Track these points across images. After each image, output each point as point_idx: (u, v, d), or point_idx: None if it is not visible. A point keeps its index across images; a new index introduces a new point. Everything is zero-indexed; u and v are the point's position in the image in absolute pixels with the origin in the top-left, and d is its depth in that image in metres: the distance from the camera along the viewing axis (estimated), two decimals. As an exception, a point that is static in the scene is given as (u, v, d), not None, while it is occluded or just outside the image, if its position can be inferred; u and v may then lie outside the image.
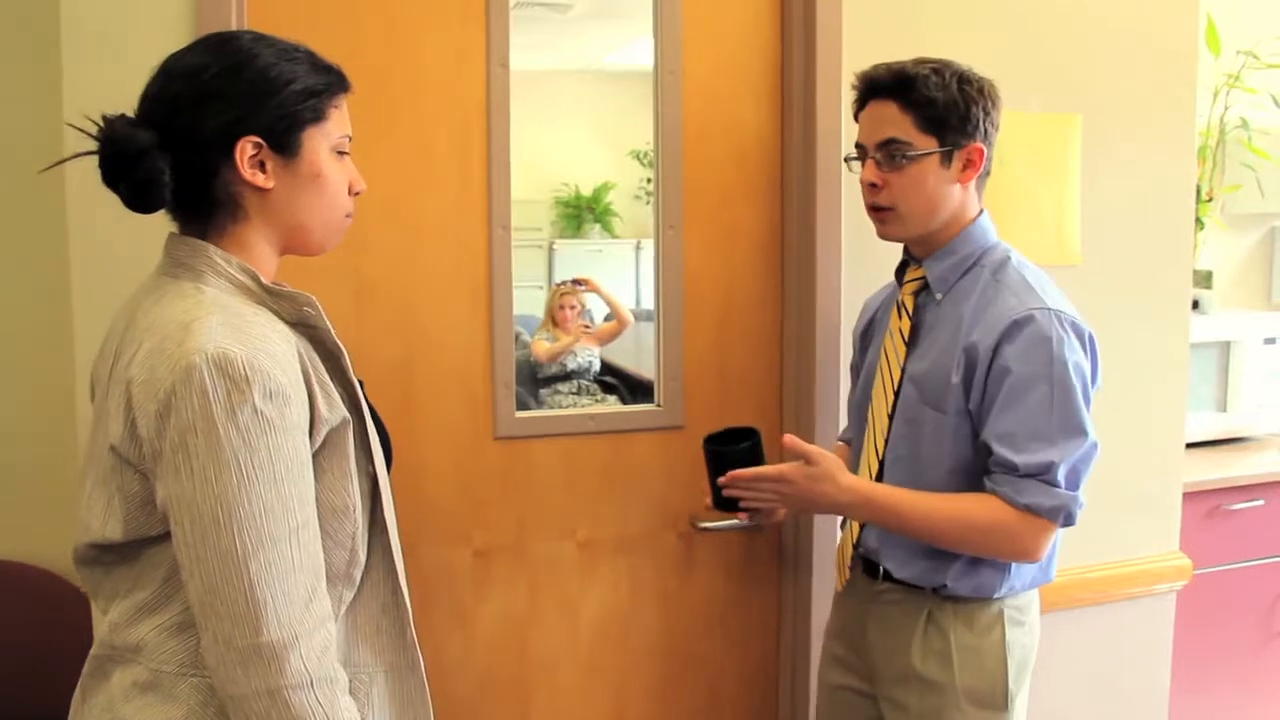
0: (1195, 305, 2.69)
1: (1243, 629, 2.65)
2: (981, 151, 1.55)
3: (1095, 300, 1.89)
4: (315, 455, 1.08)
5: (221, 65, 1.09)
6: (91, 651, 1.14)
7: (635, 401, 2.32)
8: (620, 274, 3.32)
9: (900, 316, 1.63)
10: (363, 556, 1.14)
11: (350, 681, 1.11)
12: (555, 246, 3.39)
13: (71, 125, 1.08)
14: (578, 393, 2.84)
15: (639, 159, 2.92)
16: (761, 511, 1.68)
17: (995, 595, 1.55)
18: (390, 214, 1.75)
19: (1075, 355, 1.47)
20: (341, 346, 1.16)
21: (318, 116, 1.14)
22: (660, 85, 1.89)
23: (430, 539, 1.82)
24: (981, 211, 1.60)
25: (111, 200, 1.09)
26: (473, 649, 1.88)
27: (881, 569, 1.61)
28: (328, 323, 1.14)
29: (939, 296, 1.58)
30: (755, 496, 1.58)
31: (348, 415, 1.12)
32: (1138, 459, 2.17)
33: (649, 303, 2.02)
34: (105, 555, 1.10)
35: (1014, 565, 1.53)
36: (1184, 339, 2.22)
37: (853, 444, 1.75)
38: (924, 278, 1.60)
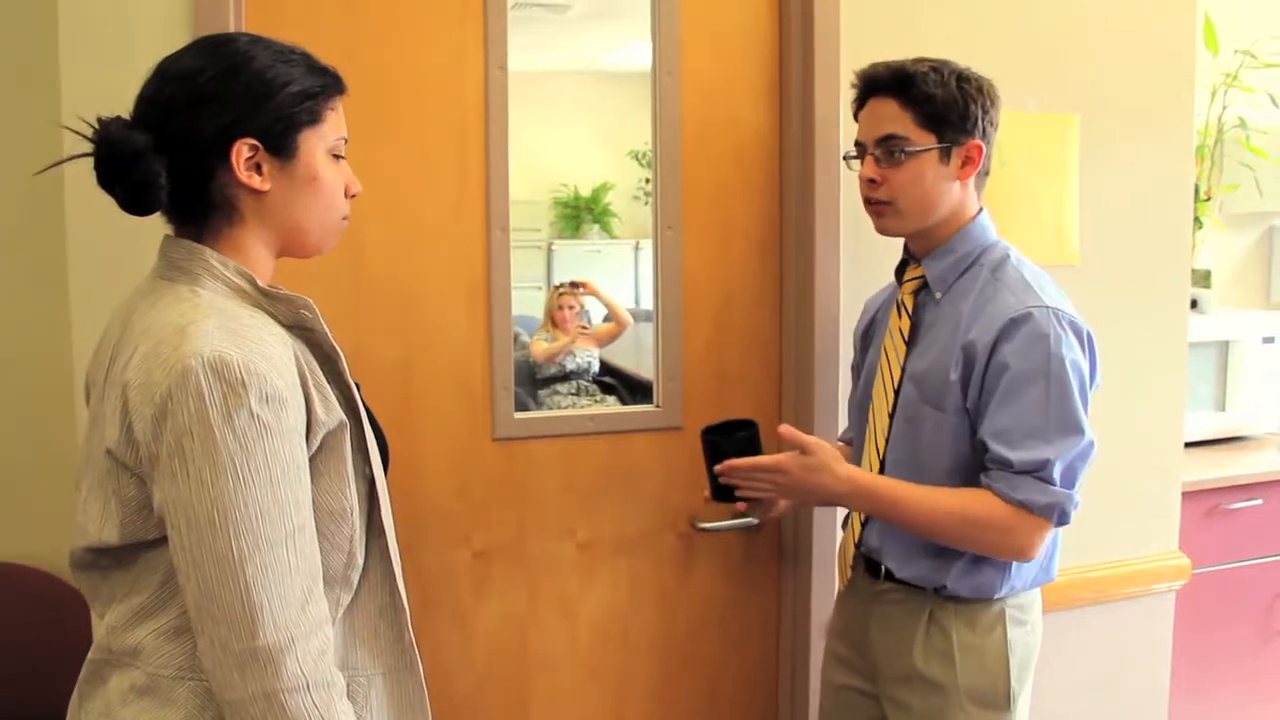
0: (1194, 304, 2.69)
1: (1242, 629, 2.65)
2: (980, 149, 1.55)
3: (1094, 300, 1.89)
4: (312, 459, 1.08)
5: (218, 68, 1.09)
6: (89, 655, 1.14)
7: (634, 402, 2.32)
8: (619, 275, 3.33)
9: (900, 315, 1.63)
10: (360, 559, 1.14)
11: (348, 684, 1.11)
12: (554, 247, 3.40)
13: (66, 127, 1.07)
14: (577, 393, 2.84)
15: (637, 159, 2.92)
16: (760, 504, 1.68)
17: (996, 595, 1.54)
18: (389, 215, 1.75)
19: (1073, 353, 1.47)
20: (339, 349, 1.15)
21: (314, 119, 1.14)
22: (658, 85, 1.89)
23: (429, 540, 1.82)
24: (981, 210, 1.61)
25: (110, 201, 1.09)
26: (472, 650, 1.88)
27: (883, 569, 1.61)
28: (325, 325, 1.14)
29: (938, 295, 1.59)
30: (751, 486, 1.57)
31: (345, 418, 1.12)
32: (1137, 458, 2.17)
33: (648, 303, 2.02)
34: (102, 559, 1.10)
35: (1014, 565, 1.53)
36: (1183, 338, 2.22)
37: (854, 444, 1.76)
38: (923, 276, 1.60)
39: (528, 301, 3.01)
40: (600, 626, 1.94)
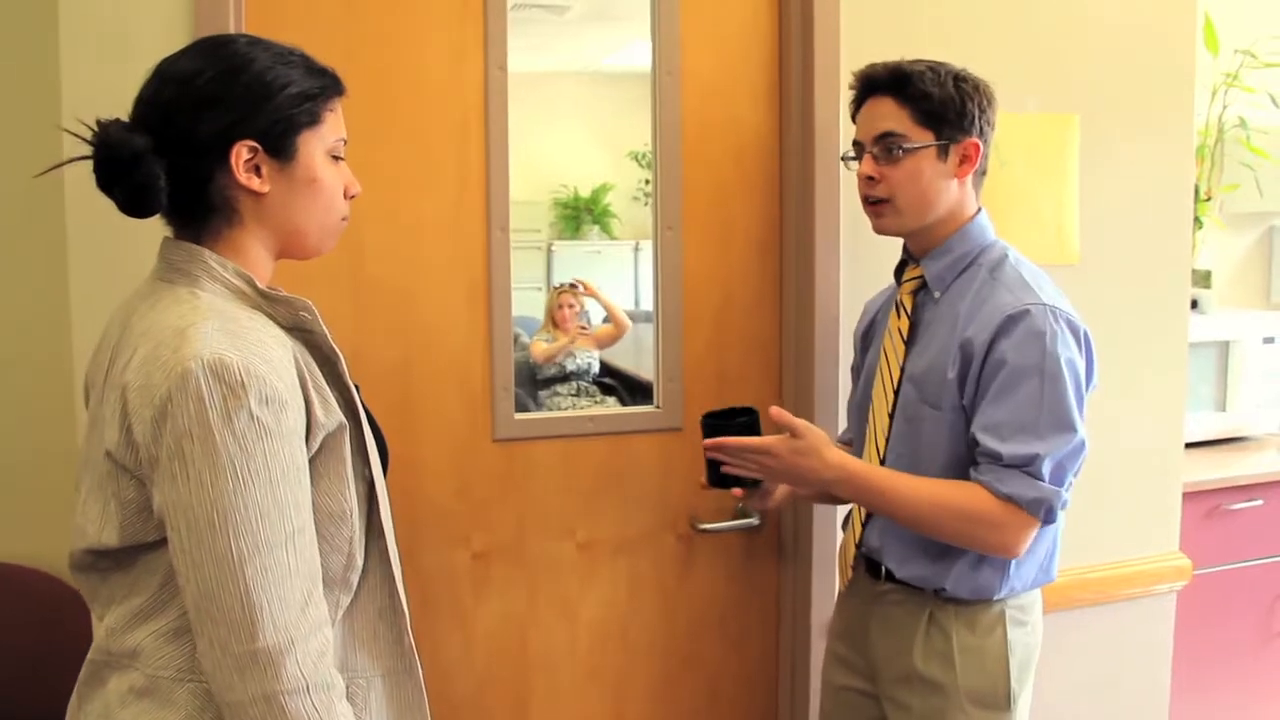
0: (1194, 305, 2.69)
1: (1242, 629, 2.65)
2: (977, 147, 1.56)
3: (1094, 300, 1.89)
4: (312, 460, 1.08)
5: (217, 70, 1.09)
6: (88, 657, 1.14)
7: (634, 403, 2.32)
8: (619, 275, 3.32)
9: (899, 315, 1.63)
10: (360, 561, 1.14)
11: (348, 686, 1.11)
12: (554, 248, 3.39)
13: (66, 130, 1.07)
14: (577, 394, 2.84)
15: (637, 160, 2.92)
16: (756, 493, 1.67)
17: (996, 597, 1.54)
18: (389, 216, 1.75)
19: (1069, 351, 1.47)
20: (338, 351, 1.15)
21: (313, 120, 1.14)
22: (658, 86, 1.89)
23: (429, 541, 1.82)
24: (979, 210, 1.61)
25: (110, 203, 1.09)
26: (472, 650, 1.88)
27: (884, 569, 1.61)
28: (324, 327, 1.14)
29: (937, 295, 1.59)
30: (740, 465, 1.55)
31: (344, 420, 1.12)
32: (1137, 459, 2.17)
33: (648, 304, 2.02)
34: (101, 561, 1.10)
35: (1014, 566, 1.53)
36: (1183, 339, 2.21)
37: (854, 444, 1.75)
38: (922, 276, 1.61)
39: (528, 302, 3.01)
40: (600, 627, 1.94)
